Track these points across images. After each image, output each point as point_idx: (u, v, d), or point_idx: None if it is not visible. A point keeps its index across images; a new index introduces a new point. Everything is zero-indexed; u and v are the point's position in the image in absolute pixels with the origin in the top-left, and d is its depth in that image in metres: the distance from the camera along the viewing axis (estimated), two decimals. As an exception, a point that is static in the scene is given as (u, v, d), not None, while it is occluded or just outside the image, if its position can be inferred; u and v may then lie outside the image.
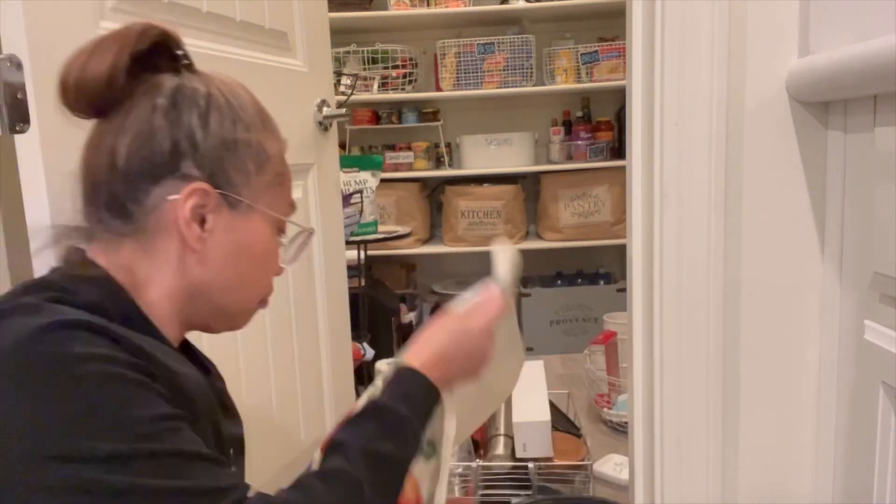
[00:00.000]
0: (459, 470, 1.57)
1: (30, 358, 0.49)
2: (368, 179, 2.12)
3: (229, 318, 0.69)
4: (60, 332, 0.50)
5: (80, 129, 0.80)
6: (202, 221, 0.61)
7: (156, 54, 0.62)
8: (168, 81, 0.61)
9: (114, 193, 0.60)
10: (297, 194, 1.27)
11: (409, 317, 2.80)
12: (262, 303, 0.71)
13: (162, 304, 0.62)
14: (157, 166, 0.59)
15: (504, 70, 2.92)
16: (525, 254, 3.36)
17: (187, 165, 0.60)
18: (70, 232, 0.63)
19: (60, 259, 0.63)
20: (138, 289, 0.61)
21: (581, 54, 2.93)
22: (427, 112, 3.10)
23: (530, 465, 1.51)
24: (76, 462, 0.47)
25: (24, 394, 0.48)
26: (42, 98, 0.76)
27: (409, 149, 3.06)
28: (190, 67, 0.65)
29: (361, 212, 2.02)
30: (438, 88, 2.99)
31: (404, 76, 2.95)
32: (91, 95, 0.59)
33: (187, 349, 0.72)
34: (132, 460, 0.48)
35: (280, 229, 0.69)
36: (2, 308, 0.53)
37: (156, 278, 0.61)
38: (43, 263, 0.63)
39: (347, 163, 2.10)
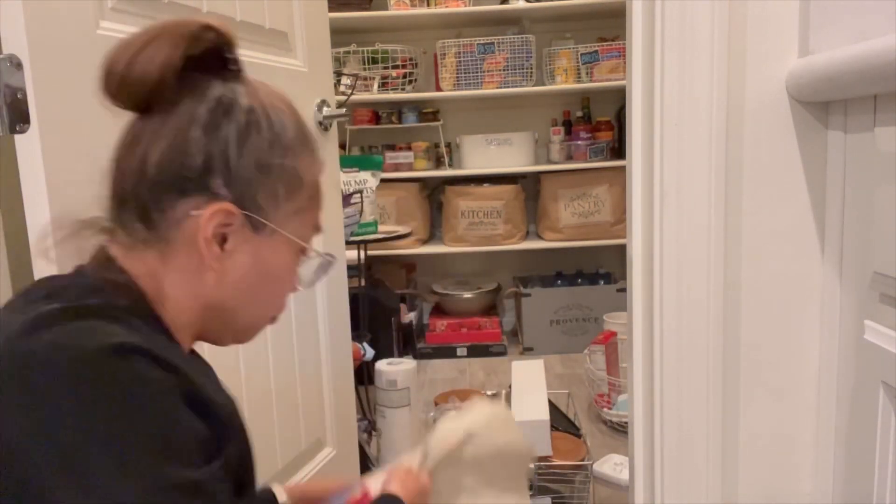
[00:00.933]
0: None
1: (101, 380, 0.49)
2: (368, 179, 2.12)
3: (238, 334, 0.68)
4: (124, 359, 0.50)
5: (81, 130, 0.80)
6: (223, 241, 0.60)
7: (207, 55, 0.59)
8: (213, 89, 0.59)
9: (140, 198, 0.58)
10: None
11: (409, 317, 2.80)
12: (273, 320, 0.70)
13: (178, 316, 0.61)
14: (187, 180, 0.57)
15: (504, 70, 2.92)
16: (525, 254, 3.36)
17: (217, 183, 0.58)
18: (92, 225, 0.61)
19: (82, 254, 0.61)
20: (158, 298, 0.60)
21: (581, 54, 2.93)
22: (427, 112, 3.10)
23: (530, 465, 1.51)
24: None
25: (98, 413, 0.48)
26: (42, 98, 0.76)
27: (409, 149, 3.06)
28: (238, 74, 0.63)
29: (361, 212, 2.02)
30: (438, 88, 2.99)
31: (404, 76, 2.95)
32: (136, 91, 0.57)
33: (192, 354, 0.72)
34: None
35: (302, 251, 0.67)
36: (41, 313, 0.52)
37: (174, 290, 0.60)
38: (62, 256, 0.62)
39: (347, 163, 2.10)
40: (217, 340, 0.68)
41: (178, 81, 0.57)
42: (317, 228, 0.68)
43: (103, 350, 0.49)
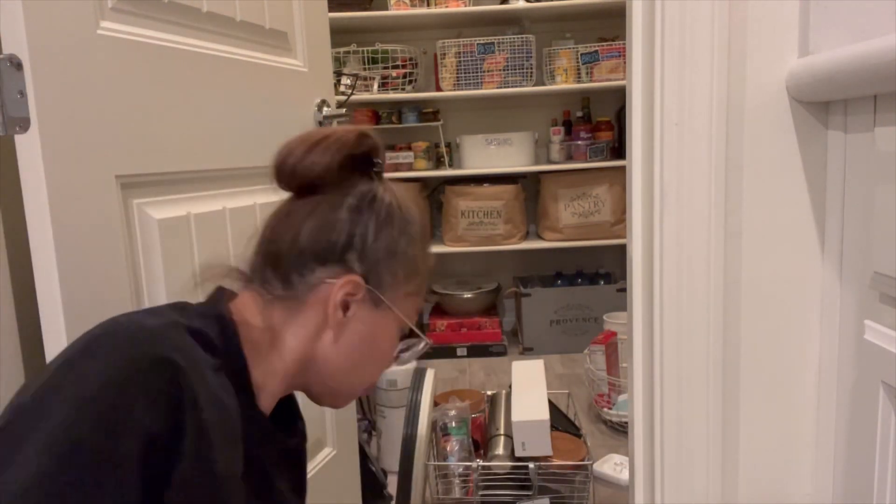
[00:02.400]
0: (460, 470, 1.57)
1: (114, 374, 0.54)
2: (368, 179, 2.12)
3: (334, 397, 0.76)
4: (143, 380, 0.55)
5: (81, 130, 0.80)
6: (346, 308, 0.70)
7: (361, 157, 0.71)
8: (361, 185, 0.70)
9: (286, 262, 0.69)
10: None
11: (409, 317, 2.80)
12: (366, 390, 0.77)
13: (283, 362, 0.70)
14: (329, 252, 0.68)
15: (504, 70, 2.92)
16: (525, 254, 3.37)
17: (352, 259, 0.69)
18: (236, 274, 0.72)
19: (208, 293, 0.73)
20: (273, 345, 0.69)
21: (581, 54, 2.93)
22: (427, 112, 3.10)
23: (530, 465, 1.51)
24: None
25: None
26: (42, 98, 0.76)
27: (409, 149, 3.06)
28: (380, 173, 0.74)
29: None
30: (438, 88, 2.99)
31: (404, 76, 2.95)
32: (302, 183, 0.69)
33: (288, 402, 0.80)
34: None
35: (402, 330, 0.76)
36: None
37: (290, 340, 0.70)
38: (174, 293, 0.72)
39: (347, 163, 2.10)
40: (314, 396, 0.76)
41: (337, 174, 0.69)
42: (418, 312, 0.78)
43: (145, 357, 0.55)
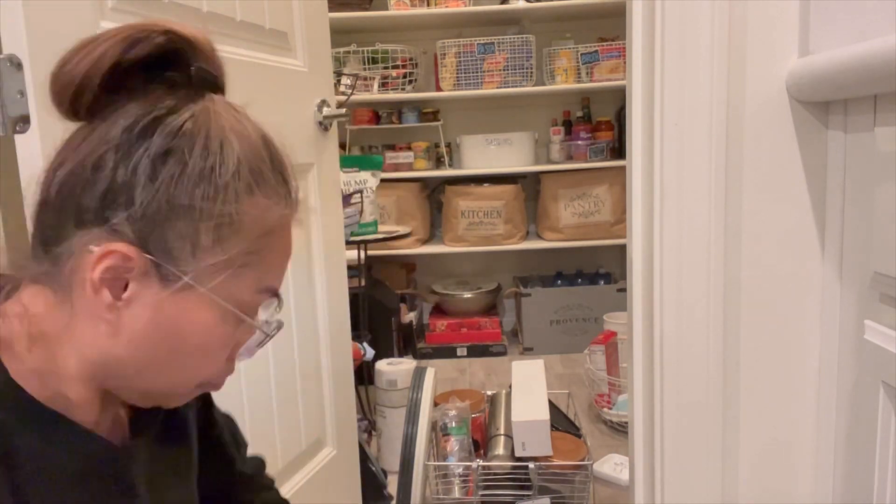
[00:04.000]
0: (460, 470, 1.57)
1: None
2: (368, 179, 2.12)
3: (154, 398, 0.57)
4: None
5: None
6: (122, 287, 0.50)
7: (166, 63, 0.51)
8: (141, 105, 0.50)
9: (42, 220, 0.52)
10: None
11: (409, 317, 2.80)
12: (205, 386, 0.57)
13: (70, 376, 0.52)
14: (84, 210, 0.49)
15: (504, 70, 2.92)
16: (525, 254, 3.36)
17: (118, 218, 0.48)
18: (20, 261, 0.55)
19: None
20: (51, 345, 0.51)
21: (581, 54, 2.93)
22: (427, 112, 3.09)
23: (530, 465, 1.51)
24: None
25: None
26: (42, 98, 0.76)
27: (409, 149, 3.06)
28: (199, 90, 0.53)
29: (361, 212, 2.02)
30: (438, 88, 2.99)
31: (404, 76, 2.95)
32: (66, 98, 0.50)
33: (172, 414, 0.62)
34: None
35: (240, 318, 0.54)
36: None
37: (70, 338, 0.51)
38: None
39: (347, 163, 2.10)
40: (131, 400, 0.57)
41: (109, 89, 0.50)
42: (268, 292, 0.55)
43: None
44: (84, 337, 0.51)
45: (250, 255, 0.52)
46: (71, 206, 0.49)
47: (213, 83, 0.54)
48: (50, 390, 0.51)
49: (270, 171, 0.54)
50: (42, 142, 0.76)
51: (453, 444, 1.59)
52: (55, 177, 0.50)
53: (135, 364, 0.52)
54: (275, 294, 0.56)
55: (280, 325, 0.58)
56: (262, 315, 0.56)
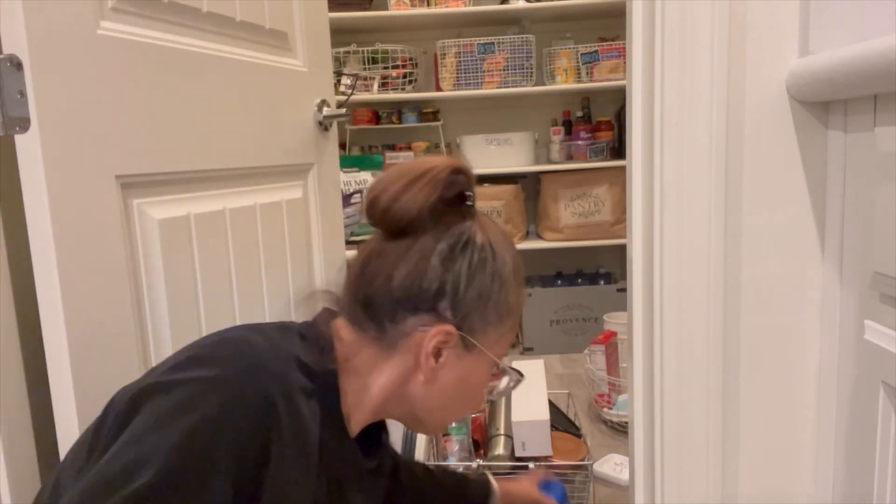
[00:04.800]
0: (460, 470, 1.57)
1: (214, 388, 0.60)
2: (368, 179, 2.12)
3: (422, 426, 0.78)
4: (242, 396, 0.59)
5: (81, 130, 0.80)
6: (438, 354, 0.70)
7: (455, 195, 0.69)
8: (454, 226, 0.69)
9: (378, 307, 0.69)
10: (297, 194, 1.27)
11: (409, 317, 2.80)
12: (457, 422, 0.83)
13: (371, 397, 0.71)
14: (421, 301, 0.68)
15: (504, 70, 2.92)
16: (525, 254, 3.35)
17: (444, 307, 0.68)
18: (332, 299, 0.74)
19: (312, 314, 0.75)
20: (365, 379, 0.71)
21: (581, 54, 2.93)
22: (427, 112, 3.09)
23: (530, 464, 1.51)
24: None
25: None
26: (42, 98, 0.76)
27: (409, 149, 3.06)
28: (473, 207, 0.72)
29: (362, 212, 2.02)
30: (438, 88, 2.99)
31: (404, 76, 2.95)
32: (395, 224, 0.68)
33: (376, 429, 0.82)
34: None
35: (498, 369, 0.76)
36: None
37: (381, 378, 0.71)
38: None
39: (348, 163, 2.11)
40: (408, 424, 0.78)
41: (429, 215, 0.68)
42: (510, 348, 0.79)
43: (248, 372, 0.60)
44: (397, 381, 0.71)
45: (512, 326, 0.74)
46: (410, 298, 0.68)
47: (475, 202, 0.73)
48: (349, 406, 0.70)
49: (519, 266, 0.74)
50: (42, 142, 0.76)
51: (453, 444, 1.59)
52: (394, 276, 0.68)
53: (428, 403, 0.73)
54: (512, 345, 0.79)
55: (521, 374, 0.78)
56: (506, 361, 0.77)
